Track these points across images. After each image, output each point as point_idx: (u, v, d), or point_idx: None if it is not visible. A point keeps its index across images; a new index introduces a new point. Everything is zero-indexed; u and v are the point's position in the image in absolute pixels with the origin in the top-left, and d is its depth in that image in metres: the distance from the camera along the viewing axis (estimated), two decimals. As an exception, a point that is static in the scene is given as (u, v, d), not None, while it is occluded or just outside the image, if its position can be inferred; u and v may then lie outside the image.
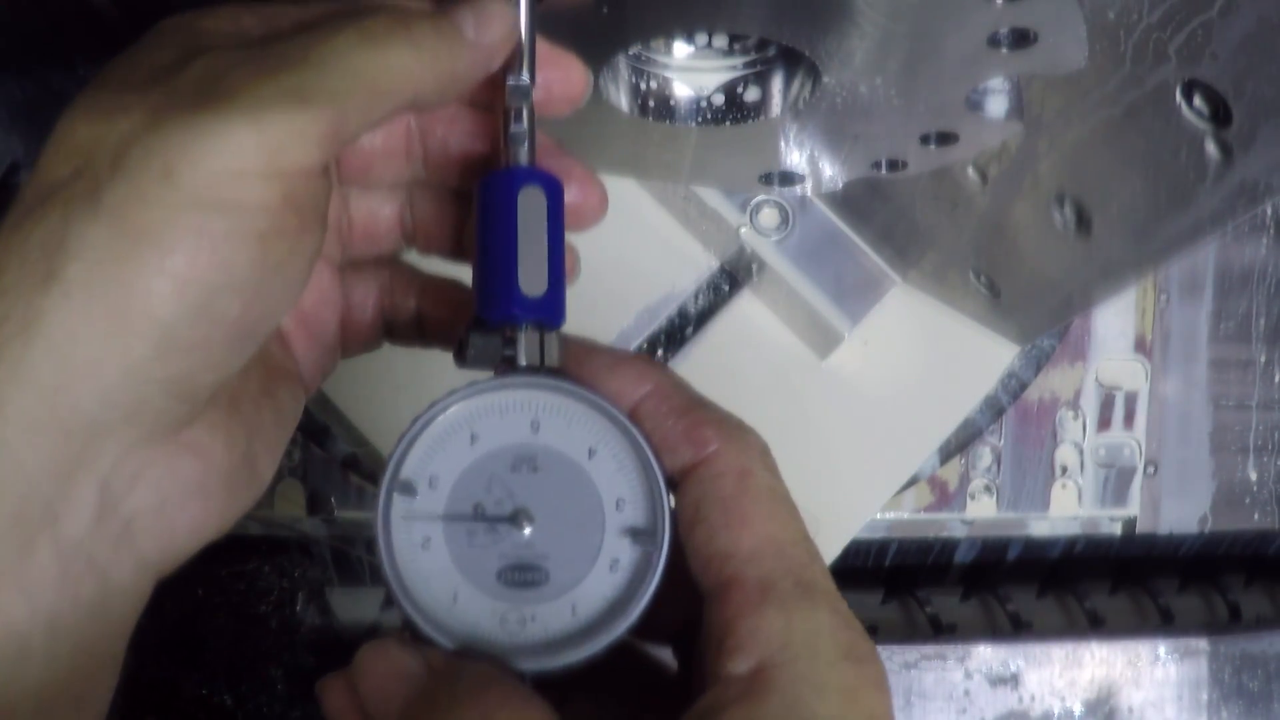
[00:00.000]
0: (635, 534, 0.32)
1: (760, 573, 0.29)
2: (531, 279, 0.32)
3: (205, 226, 0.26)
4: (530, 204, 0.32)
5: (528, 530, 0.32)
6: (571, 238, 0.34)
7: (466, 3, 0.31)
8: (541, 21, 0.33)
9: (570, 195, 0.34)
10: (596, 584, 0.32)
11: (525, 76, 0.33)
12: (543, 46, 0.33)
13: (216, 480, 0.30)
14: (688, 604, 0.31)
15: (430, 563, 0.31)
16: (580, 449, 0.32)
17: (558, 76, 0.33)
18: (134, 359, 0.27)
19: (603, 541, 0.32)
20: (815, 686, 0.28)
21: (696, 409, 0.32)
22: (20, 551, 0.26)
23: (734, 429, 0.32)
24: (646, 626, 0.32)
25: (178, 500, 0.29)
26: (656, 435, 0.32)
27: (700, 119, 0.47)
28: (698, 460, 0.31)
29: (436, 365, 0.36)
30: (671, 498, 0.32)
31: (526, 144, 0.33)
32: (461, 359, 0.33)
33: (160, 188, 0.26)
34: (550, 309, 0.32)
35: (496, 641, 0.31)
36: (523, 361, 0.32)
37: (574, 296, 0.33)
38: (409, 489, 0.32)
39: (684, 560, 0.31)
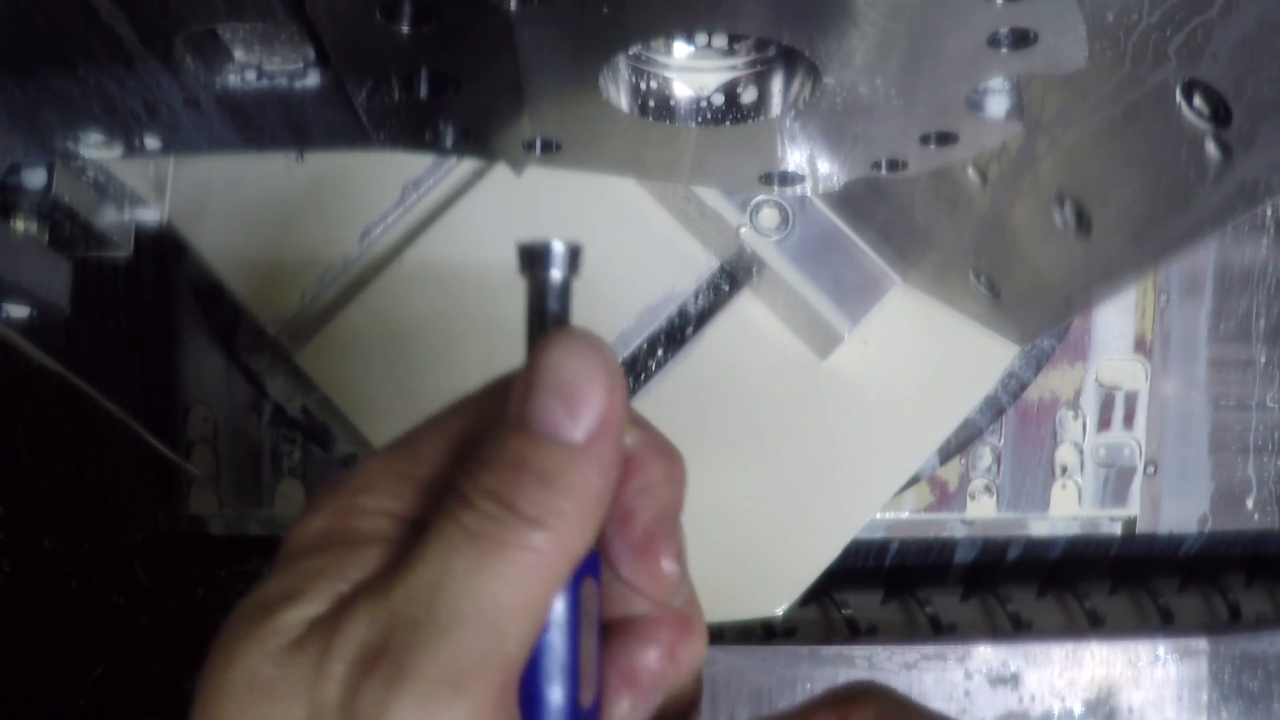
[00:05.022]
0: None
1: None
2: (586, 687, 0.27)
3: None
4: (589, 600, 0.28)
5: None
6: (574, 235, 0.32)
7: (549, 396, 0.26)
8: (542, 21, 0.32)
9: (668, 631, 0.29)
10: None
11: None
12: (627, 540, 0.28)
13: None
14: None
15: None
16: None
17: (645, 583, 0.28)
18: None
19: None
20: None
21: None
22: None
23: None
24: None
25: None
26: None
27: (700, 119, 0.47)
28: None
29: (439, 368, 0.36)
30: None
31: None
32: None
33: None
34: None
35: None
36: None
37: (575, 296, 0.33)
38: None
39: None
